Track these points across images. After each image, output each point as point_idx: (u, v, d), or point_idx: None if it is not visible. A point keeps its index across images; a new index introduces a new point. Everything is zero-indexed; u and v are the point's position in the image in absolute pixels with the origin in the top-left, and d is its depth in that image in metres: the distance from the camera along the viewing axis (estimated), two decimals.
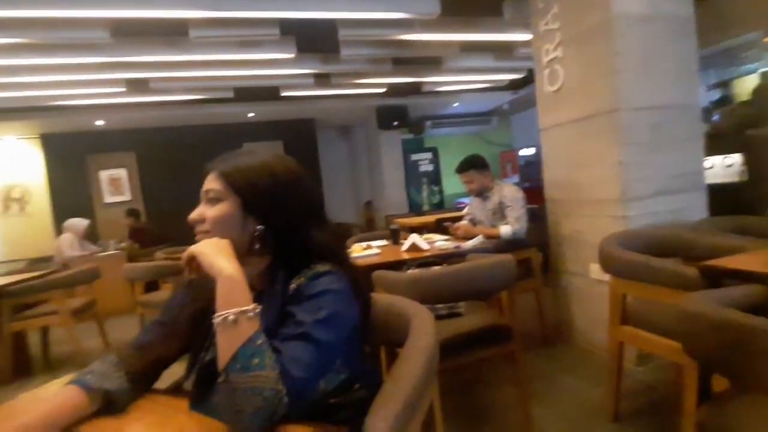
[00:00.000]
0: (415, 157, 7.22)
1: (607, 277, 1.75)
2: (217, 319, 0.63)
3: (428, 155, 7.36)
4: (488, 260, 1.69)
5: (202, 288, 0.80)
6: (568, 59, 2.43)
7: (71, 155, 5.85)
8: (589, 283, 2.37)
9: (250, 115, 5.87)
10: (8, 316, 2.93)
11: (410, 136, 7.39)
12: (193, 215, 0.79)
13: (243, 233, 0.76)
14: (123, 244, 5.21)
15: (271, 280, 0.77)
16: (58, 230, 5.29)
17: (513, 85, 6.02)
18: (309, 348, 0.65)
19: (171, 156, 6.01)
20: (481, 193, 2.77)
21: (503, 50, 4.37)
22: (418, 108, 6.60)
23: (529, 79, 5.05)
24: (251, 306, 0.65)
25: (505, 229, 2.55)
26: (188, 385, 0.77)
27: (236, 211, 0.77)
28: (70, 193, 5.85)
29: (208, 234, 0.76)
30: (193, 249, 0.72)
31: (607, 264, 1.72)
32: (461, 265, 1.72)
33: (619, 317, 1.69)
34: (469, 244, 2.32)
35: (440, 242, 2.50)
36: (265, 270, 0.79)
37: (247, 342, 0.61)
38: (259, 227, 0.76)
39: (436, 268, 1.80)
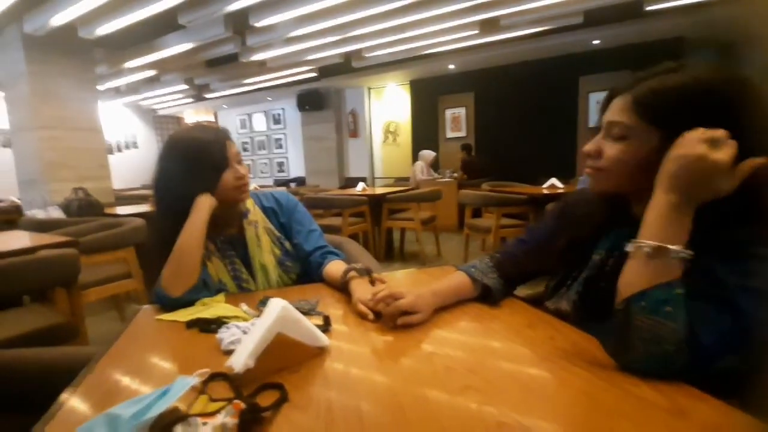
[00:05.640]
0: None
1: None
2: (640, 246, 0.57)
3: None
4: None
5: (573, 219, 0.79)
6: None
7: (427, 97, 7.16)
8: None
9: (595, 42, 5.20)
10: (386, 216, 4.09)
11: None
12: (589, 148, 0.70)
13: (650, 175, 0.60)
14: (455, 174, 6.11)
15: None
16: (414, 158, 6.77)
17: None
18: (726, 316, 0.53)
19: (504, 94, 6.31)
20: None
21: None
22: None
23: None
24: (685, 249, 0.55)
25: None
26: (551, 305, 0.80)
27: (648, 150, 0.62)
28: (424, 128, 7.28)
29: (601, 172, 0.69)
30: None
31: None
32: None
33: None
34: None
35: None
36: None
37: (664, 285, 0.55)
38: None
39: None
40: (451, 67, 6.33)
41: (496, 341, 0.70)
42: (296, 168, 9.07)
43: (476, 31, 4.44)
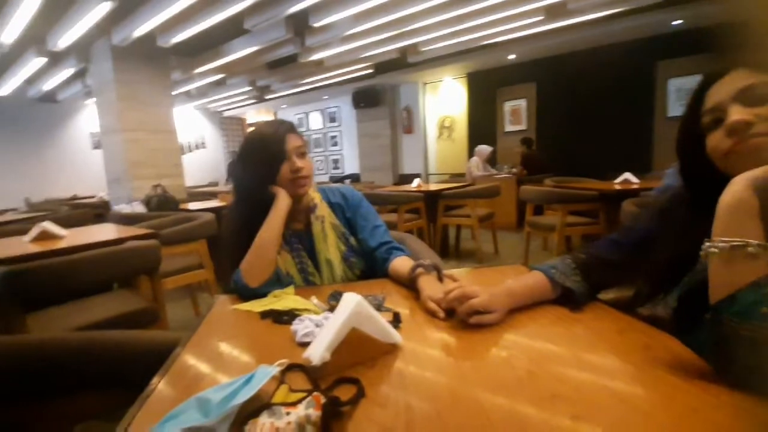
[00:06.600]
0: None
1: None
2: (717, 247, 0.53)
3: None
4: None
5: (677, 223, 0.70)
6: None
7: (485, 89, 6.93)
8: None
9: (676, 23, 4.72)
10: (441, 212, 4.02)
11: None
12: (742, 117, 0.57)
13: None
14: (514, 170, 5.87)
15: None
16: (470, 153, 6.60)
17: None
18: None
19: (569, 84, 5.93)
20: None
21: None
22: None
23: None
24: (765, 243, 0.50)
25: None
26: (645, 311, 0.72)
27: None
28: (481, 122, 7.07)
29: None
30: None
31: None
32: None
33: None
34: None
35: None
36: None
37: (752, 285, 0.49)
38: None
39: None
40: (512, 57, 6.08)
41: (582, 348, 0.65)
42: (351, 165, 9.24)
43: (541, 17, 4.20)
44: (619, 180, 3.46)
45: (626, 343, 0.65)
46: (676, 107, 5.19)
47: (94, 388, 0.77)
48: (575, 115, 5.94)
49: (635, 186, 3.25)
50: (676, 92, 5.18)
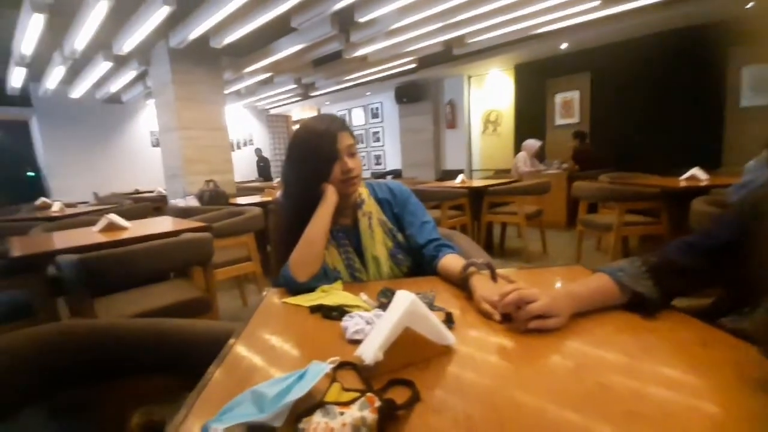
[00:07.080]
0: None
1: None
2: None
3: None
4: None
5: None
6: None
7: (534, 81, 6.64)
8: None
9: (750, 5, 4.27)
10: (486, 209, 3.91)
11: None
12: None
13: None
14: (565, 165, 5.59)
15: None
16: (517, 149, 6.36)
17: None
18: None
19: (627, 73, 5.53)
20: None
21: None
22: None
23: None
24: None
25: None
26: (729, 322, 0.64)
27: None
28: (529, 115, 6.79)
29: None
30: None
31: None
32: None
33: None
34: None
35: None
36: None
37: None
38: None
39: None
40: (564, 46, 5.77)
41: (659, 360, 0.58)
42: (393, 161, 9.23)
43: (597, 3, 3.95)
44: (685, 176, 3.18)
45: (712, 357, 0.58)
46: (750, 96, 4.70)
47: (152, 372, 0.80)
48: (634, 107, 5.54)
49: (704, 183, 2.97)
50: (751, 80, 4.69)
